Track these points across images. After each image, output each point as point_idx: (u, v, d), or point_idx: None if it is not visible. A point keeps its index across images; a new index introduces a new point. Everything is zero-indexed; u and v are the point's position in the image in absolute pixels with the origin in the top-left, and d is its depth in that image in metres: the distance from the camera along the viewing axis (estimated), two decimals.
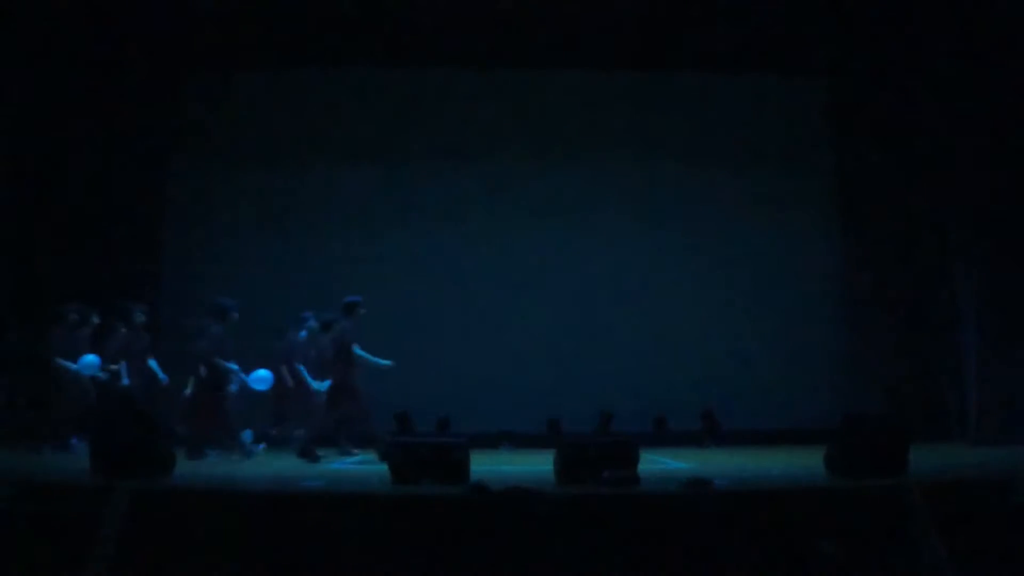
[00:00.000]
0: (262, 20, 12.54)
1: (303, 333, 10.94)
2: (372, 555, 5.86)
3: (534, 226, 13.43)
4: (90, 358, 10.56)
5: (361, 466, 9.56)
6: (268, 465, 9.39)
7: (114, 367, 10.85)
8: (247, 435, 10.21)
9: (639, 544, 5.90)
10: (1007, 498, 6.36)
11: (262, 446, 10.45)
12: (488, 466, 9.58)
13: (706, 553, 5.87)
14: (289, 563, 5.85)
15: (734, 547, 5.90)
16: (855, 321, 13.33)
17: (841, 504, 6.30)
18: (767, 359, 13.09)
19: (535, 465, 9.51)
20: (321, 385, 10.49)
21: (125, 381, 10.81)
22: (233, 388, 10.18)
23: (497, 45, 13.01)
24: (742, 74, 13.61)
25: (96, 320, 10.98)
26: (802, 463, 9.19)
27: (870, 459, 7.21)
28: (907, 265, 13.06)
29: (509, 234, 13.46)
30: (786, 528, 6.01)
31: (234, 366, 10.12)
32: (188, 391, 10.42)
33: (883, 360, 13.01)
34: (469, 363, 12.87)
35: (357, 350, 10.30)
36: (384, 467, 7.51)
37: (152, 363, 11.03)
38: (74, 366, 10.54)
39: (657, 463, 9.57)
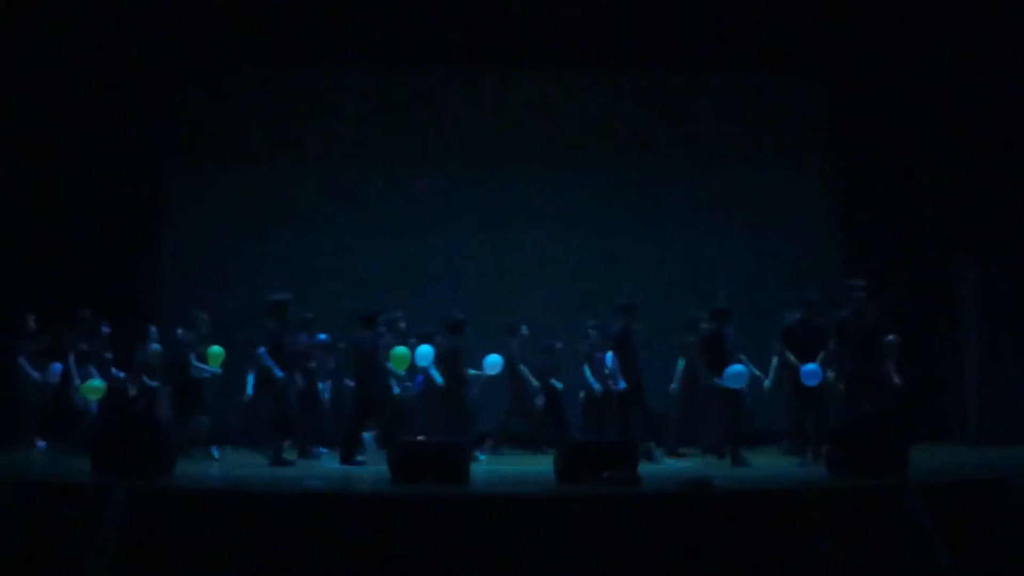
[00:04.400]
0: (261, 21, 12.53)
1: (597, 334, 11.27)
2: (372, 555, 5.86)
3: (533, 226, 13.40)
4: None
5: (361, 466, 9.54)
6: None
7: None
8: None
9: (639, 544, 5.90)
10: (1007, 498, 6.36)
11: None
12: (488, 466, 9.61)
13: (706, 553, 5.87)
14: (289, 563, 5.85)
15: (734, 547, 5.90)
16: None
17: (841, 504, 6.30)
18: (767, 359, 13.06)
19: (535, 465, 9.53)
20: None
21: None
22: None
23: (496, 46, 12.98)
24: (742, 74, 13.58)
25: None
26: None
27: (870, 459, 7.21)
28: (907, 265, 13.03)
29: (508, 234, 13.44)
30: (786, 528, 6.01)
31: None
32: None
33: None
34: None
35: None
36: None
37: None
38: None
39: (657, 463, 9.58)
